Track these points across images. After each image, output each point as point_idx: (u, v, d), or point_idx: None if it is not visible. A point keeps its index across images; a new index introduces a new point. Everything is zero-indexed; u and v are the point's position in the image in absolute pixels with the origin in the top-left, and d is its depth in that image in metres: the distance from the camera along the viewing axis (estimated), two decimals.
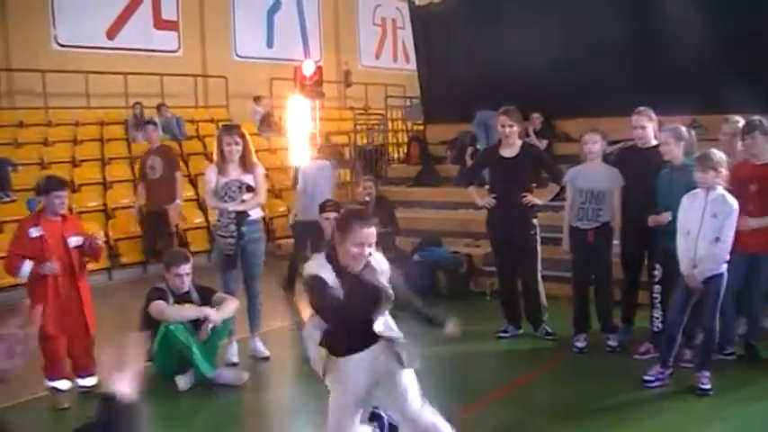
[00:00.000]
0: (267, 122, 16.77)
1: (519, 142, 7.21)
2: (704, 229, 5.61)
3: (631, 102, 6.93)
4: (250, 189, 6.77)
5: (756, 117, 6.26)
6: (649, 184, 6.32)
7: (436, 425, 4.10)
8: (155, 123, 11.30)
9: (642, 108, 6.70)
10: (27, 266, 5.82)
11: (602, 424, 5.33)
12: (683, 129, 6.37)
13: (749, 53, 9.60)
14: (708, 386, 5.75)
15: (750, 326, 6.48)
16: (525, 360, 7.01)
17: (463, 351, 6.72)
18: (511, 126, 7.09)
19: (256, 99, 17.32)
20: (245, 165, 6.81)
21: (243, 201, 6.75)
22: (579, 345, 6.91)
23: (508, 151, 7.18)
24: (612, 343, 6.87)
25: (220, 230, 6.86)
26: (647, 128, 6.61)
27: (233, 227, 6.73)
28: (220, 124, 10.75)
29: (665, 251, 6.16)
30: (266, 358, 7.06)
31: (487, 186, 7.62)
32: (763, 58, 9.40)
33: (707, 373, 5.80)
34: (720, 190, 5.63)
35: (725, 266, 5.69)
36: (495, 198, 7.24)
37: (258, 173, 6.86)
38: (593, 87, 10.84)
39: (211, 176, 6.81)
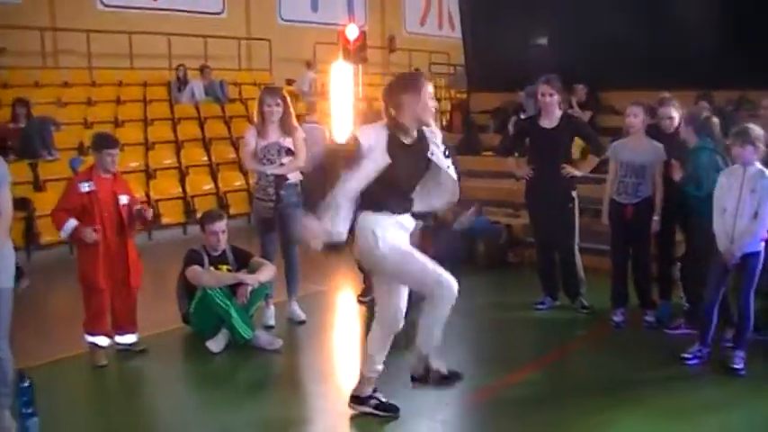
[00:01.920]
0: (315, 88, 16.79)
1: (559, 113, 7.06)
2: (742, 205, 5.51)
3: (678, 76, 6.79)
4: (290, 153, 6.75)
5: None
6: (675, 155, 6.27)
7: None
8: None
9: (666, 95, 6.62)
10: (71, 224, 5.83)
11: (634, 400, 5.24)
12: (700, 112, 6.37)
13: None
14: (740, 366, 5.66)
15: None
16: (561, 333, 6.94)
17: (500, 321, 6.70)
18: (551, 95, 6.95)
19: (308, 64, 17.32)
20: (286, 128, 6.77)
21: (282, 164, 6.74)
22: (617, 319, 6.84)
23: (547, 122, 7.05)
24: (650, 318, 6.79)
25: (259, 193, 6.86)
26: (674, 118, 6.53)
27: (271, 190, 6.73)
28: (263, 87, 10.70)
29: (695, 227, 6.06)
30: (302, 322, 7.09)
31: (526, 157, 7.52)
32: None
33: (741, 353, 5.70)
34: (759, 165, 5.52)
35: (763, 245, 5.59)
36: (533, 169, 7.15)
37: (298, 136, 6.82)
38: (642, 60, 10.63)
39: (250, 139, 6.78)
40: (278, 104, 6.71)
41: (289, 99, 6.92)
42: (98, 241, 5.86)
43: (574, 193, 7.14)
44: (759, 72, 9.10)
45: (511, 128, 11.61)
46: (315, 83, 16.84)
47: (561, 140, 7.04)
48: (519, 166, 7.40)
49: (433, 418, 5.05)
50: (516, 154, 7.59)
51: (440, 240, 9.35)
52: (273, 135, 6.75)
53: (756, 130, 5.52)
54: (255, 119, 6.89)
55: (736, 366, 5.65)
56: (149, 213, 6.23)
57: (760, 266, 5.62)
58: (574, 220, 7.19)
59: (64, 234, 5.92)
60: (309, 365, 6.25)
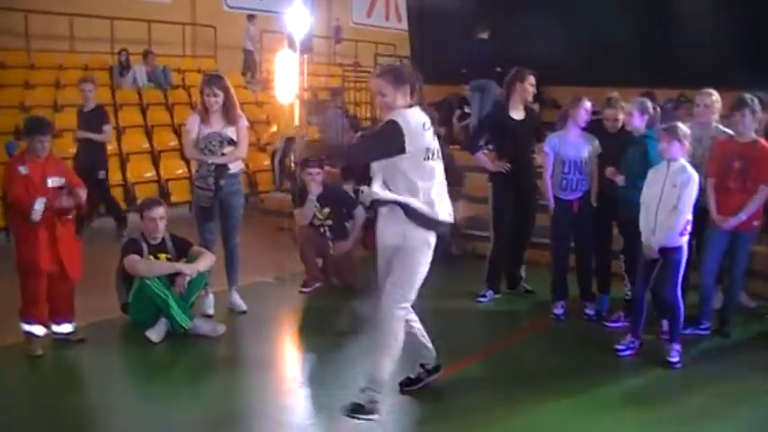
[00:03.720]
0: (253, 63, 17.51)
1: (522, 105, 7.17)
2: (664, 199, 5.67)
3: (620, 72, 6.89)
4: (231, 143, 6.67)
5: (748, 95, 6.23)
6: (614, 156, 6.38)
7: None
8: None
9: (614, 96, 6.68)
10: (39, 204, 5.67)
11: (569, 390, 5.33)
12: (649, 103, 6.43)
13: (746, 25, 9.58)
14: (675, 359, 5.79)
15: (727, 302, 6.52)
16: (503, 325, 7.05)
17: (442, 312, 6.72)
18: (533, 87, 7.06)
19: (250, 17, 17.64)
20: (228, 117, 6.68)
21: (223, 154, 6.66)
22: (557, 312, 6.95)
23: (517, 113, 7.12)
24: (590, 311, 6.91)
25: (198, 182, 6.76)
26: (619, 121, 6.59)
27: (211, 180, 6.63)
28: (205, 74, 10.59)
29: (629, 221, 6.17)
30: (243, 312, 7.05)
31: (491, 149, 7.52)
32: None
33: (677, 347, 5.84)
34: (682, 161, 5.68)
35: (684, 239, 5.73)
36: (508, 162, 7.13)
37: (241, 126, 6.74)
38: (586, 55, 10.78)
39: (193, 126, 6.67)
40: (217, 94, 6.60)
41: (231, 88, 6.82)
42: (36, 224, 5.73)
43: (539, 184, 7.27)
44: (698, 71, 9.30)
45: (456, 121, 11.69)
46: (258, 38, 17.53)
47: (530, 132, 7.15)
48: (492, 160, 7.29)
49: None
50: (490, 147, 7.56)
51: None
52: (216, 124, 6.66)
53: (683, 128, 5.68)
54: (198, 106, 6.80)
55: (671, 360, 5.78)
56: (67, 201, 5.96)
57: (683, 261, 5.77)
58: (535, 214, 7.36)
59: (36, 213, 5.70)
60: (249, 355, 6.21)
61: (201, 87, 6.76)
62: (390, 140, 4.47)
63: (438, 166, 4.67)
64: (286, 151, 12.93)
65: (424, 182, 4.57)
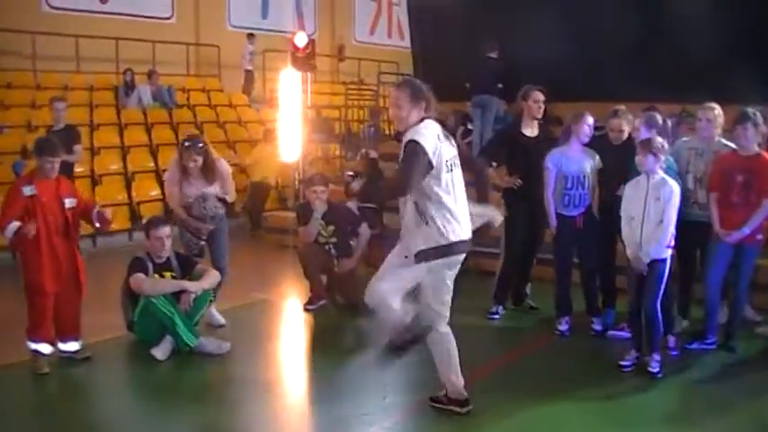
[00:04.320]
0: (252, 81, 17.57)
1: (536, 122, 7.18)
2: (648, 212, 5.72)
3: (622, 87, 6.91)
4: (221, 199, 6.96)
5: (750, 108, 6.25)
6: (620, 169, 6.37)
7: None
8: None
9: (621, 108, 6.71)
10: (13, 225, 5.73)
11: (572, 408, 5.33)
12: (658, 117, 6.49)
13: (750, 42, 9.61)
14: (656, 369, 5.81)
15: (732, 316, 6.50)
16: (508, 340, 7.03)
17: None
18: (544, 103, 7.07)
19: (250, 36, 17.70)
20: (208, 177, 6.94)
21: (212, 218, 6.95)
22: (562, 328, 6.92)
23: (530, 131, 7.13)
24: (598, 327, 6.87)
25: (189, 227, 7.00)
26: (624, 131, 6.64)
27: (203, 233, 6.98)
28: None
29: None
30: (222, 326, 7.12)
31: (497, 165, 7.45)
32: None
33: (657, 357, 5.86)
34: (661, 174, 5.75)
35: (669, 252, 5.79)
36: (520, 178, 7.13)
37: (222, 172, 7.00)
38: (587, 72, 10.82)
39: (174, 186, 6.95)
40: (196, 159, 6.85)
41: (210, 147, 7.05)
42: (42, 244, 5.78)
43: None
44: (701, 87, 9.33)
45: (459, 138, 11.70)
46: (254, 56, 17.63)
47: (544, 149, 7.00)
48: (501, 176, 7.30)
49: (381, 426, 5.04)
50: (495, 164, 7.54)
51: (388, 248, 9.38)
52: (197, 182, 6.90)
53: (659, 140, 5.75)
54: (177, 165, 6.95)
55: (652, 370, 5.82)
56: (109, 213, 6.20)
57: (666, 273, 5.82)
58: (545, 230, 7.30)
59: (8, 234, 5.80)
60: (254, 373, 6.20)
61: (181, 152, 6.94)
62: (419, 162, 4.52)
63: (457, 177, 4.76)
64: (254, 197, 12.77)
65: (448, 195, 4.66)
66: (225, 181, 7.01)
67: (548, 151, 6.96)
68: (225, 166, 7.07)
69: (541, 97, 7.07)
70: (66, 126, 9.99)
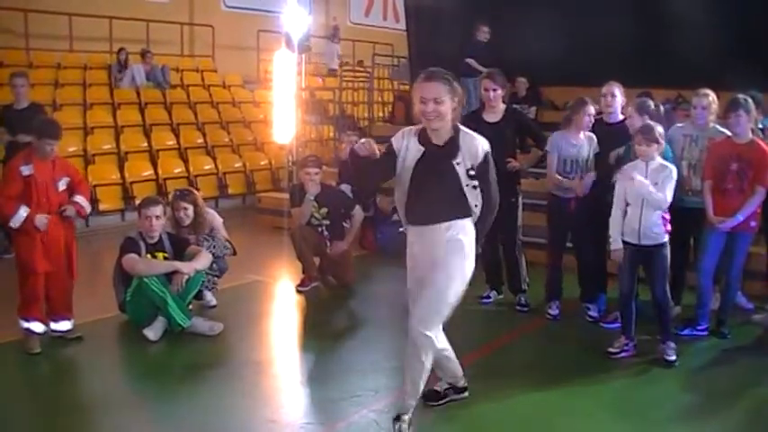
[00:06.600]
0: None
1: (502, 107, 7.08)
2: (647, 198, 5.68)
3: (619, 72, 6.90)
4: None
5: (741, 95, 6.24)
6: (615, 147, 6.41)
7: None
8: None
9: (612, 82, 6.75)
10: (22, 213, 5.73)
11: (563, 393, 5.35)
12: (650, 102, 6.48)
13: (746, 29, 9.61)
14: (673, 357, 5.83)
15: (724, 303, 6.53)
16: (499, 326, 7.01)
17: None
18: (495, 90, 6.93)
19: (334, 33, 19.52)
20: (198, 230, 7.09)
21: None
22: (552, 312, 6.95)
23: (491, 116, 7.06)
24: (593, 313, 6.88)
25: None
26: (617, 97, 6.67)
27: None
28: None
29: None
30: (213, 306, 7.17)
31: None
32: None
33: (672, 344, 5.88)
34: (659, 159, 5.75)
35: (667, 237, 5.78)
36: None
37: (215, 225, 7.24)
38: (582, 56, 10.80)
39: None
40: (186, 208, 7.07)
41: (199, 200, 7.24)
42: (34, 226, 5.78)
43: (518, 188, 7.20)
44: (693, 72, 9.33)
45: None
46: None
47: (506, 134, 6.96)
48: None
49: (371, 408, 5.05)
50: None
51: (381, 231, 9.41)
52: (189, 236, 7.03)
53: (659, 128, 5.73)
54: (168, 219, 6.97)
55: (668, 358, 5.82)
56: (73, 210, 6.05)
57: (668, 258, 5.81)
58: (518, 215, 7.20)
59: (14, 224, 5.79)
60: (246, 354, 6.22)
61: (172, 204, 7.11)
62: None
63: None
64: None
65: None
66: (217, 231, 7.24)
67: (511, 136, 7.04)
68: (215, 218, 7.36)
69: (490, 84, 6.89)
70: (31, 104, 8.86)
